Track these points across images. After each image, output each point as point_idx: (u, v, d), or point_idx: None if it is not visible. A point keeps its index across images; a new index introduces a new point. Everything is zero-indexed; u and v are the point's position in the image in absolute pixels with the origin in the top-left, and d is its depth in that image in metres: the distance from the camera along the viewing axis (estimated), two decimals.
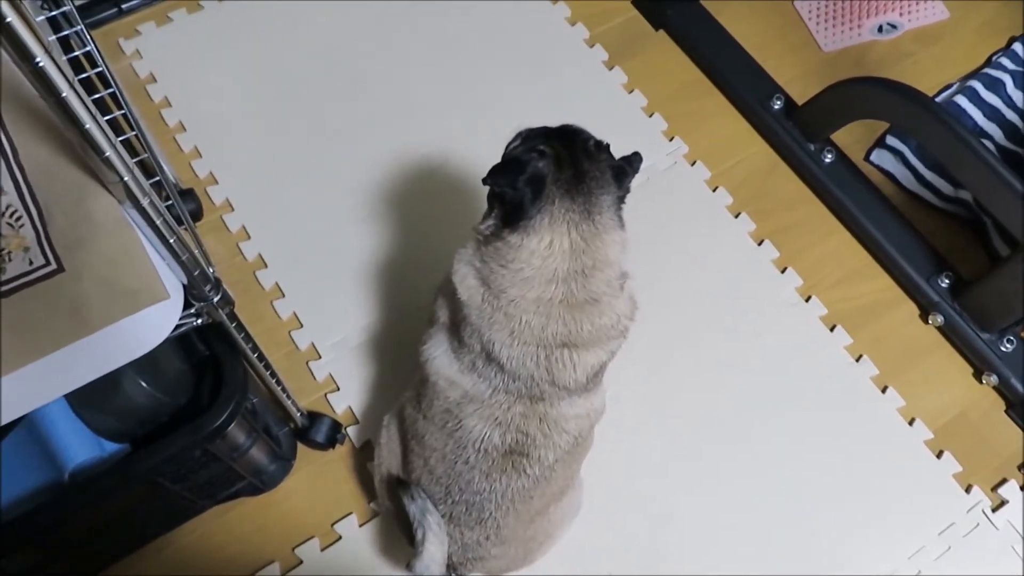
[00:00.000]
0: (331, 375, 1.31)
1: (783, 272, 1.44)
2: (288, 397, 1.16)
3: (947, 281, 1.39)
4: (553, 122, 0.96)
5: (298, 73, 1.57)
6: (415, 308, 1.33)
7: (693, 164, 1.53)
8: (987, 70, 1.63)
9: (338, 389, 1.30)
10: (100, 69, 0.71)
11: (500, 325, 0.89)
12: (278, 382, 1.11)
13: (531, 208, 0.86)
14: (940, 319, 1.38)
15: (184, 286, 0.81)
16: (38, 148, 0.76)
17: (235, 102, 1.54)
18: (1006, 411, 1.35)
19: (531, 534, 1.04)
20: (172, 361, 0.98)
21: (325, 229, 1.42)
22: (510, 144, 0.96)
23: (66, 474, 0.92)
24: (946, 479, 1.28)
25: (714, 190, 1.51)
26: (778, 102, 1.55)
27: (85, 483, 0.92)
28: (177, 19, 1.61)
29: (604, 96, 1.59)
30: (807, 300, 1.42)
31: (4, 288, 0.73)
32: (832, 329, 1.39)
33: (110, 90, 0.71)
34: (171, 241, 0.74)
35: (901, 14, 1.70)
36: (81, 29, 0.70)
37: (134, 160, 0.67)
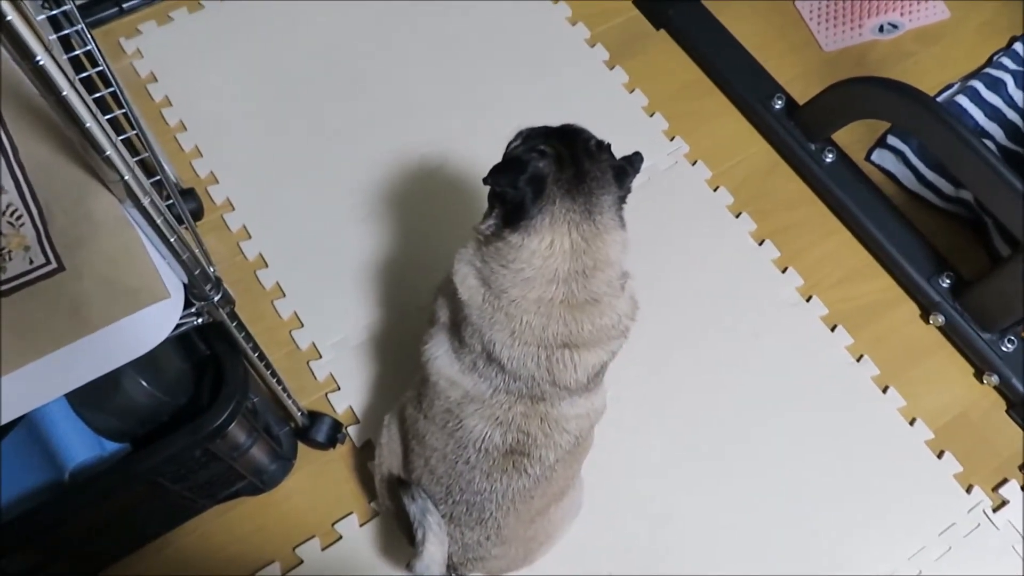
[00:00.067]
0: (332, 375, 1.31)
1: (784, 272, 1.44)
2: (289, 396, 1.16)
3: (948, 281, 1.39)
4: (554, 122, 0.96)
5: (298, 73, 1.57)
6: (415, 308, 1.33)
7: (694, 164, 1.53)
8: (988, 70, 1.63)
9: (339, 389, 1.30)
10: (101, 68, 0.71)
11: (501, 325, 0.89)
12: (279, 381, 1.11)
13: (532, 208, 0.86)
14: (941, 319, 1.38)
15: (185, 285, 0.81)
16: (38, 147, 0.76)
17: (236, 102, 1.54)
18: (1007, 411, 1.35)
19: (531, 534, 1.04)
20: (173, 360, 0.98)
21: (326, 229, 1.42)
22: (511, 143, 0.96)
23: (66, 473, 0.92)
24: (947, 479, 1.28)
25: (715, 190, 1.51)
26: (779, 102, 1.55)
27: (85, 482, 0.92)
28: (178, 18, 1.61)
29: (605, 96, 1.59)
30: (808, 300, 1.41)
31: (5, 287, 0.73)
32: (833, 329, 1.39)
33: (111, 89, 0.71)
34: (172, 240, 0.74)
35: (902, 14, 1.70)
36: (82, 28, 0.70)
37: (135, 159, 0.67)
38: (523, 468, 0.93)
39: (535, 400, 0.91)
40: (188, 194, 1.38)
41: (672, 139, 1.56)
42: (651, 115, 1.58)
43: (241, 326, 0.94)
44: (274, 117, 1.52)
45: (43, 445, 0.93)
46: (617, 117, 1.57)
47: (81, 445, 0.93)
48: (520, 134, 0.95)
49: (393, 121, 1.53)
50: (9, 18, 0.51)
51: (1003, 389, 1.35)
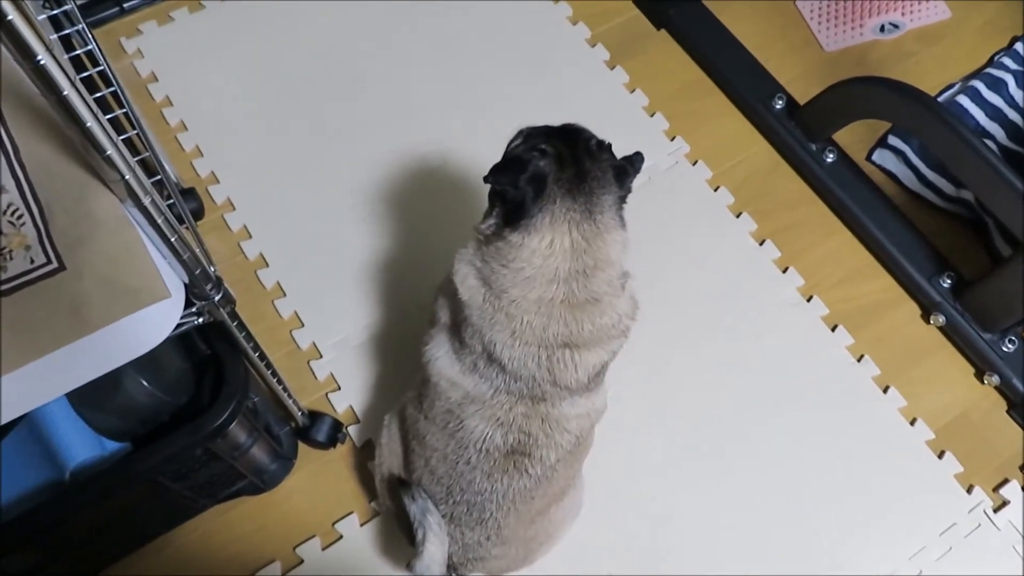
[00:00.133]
0: (332, 374, 1.31)
1: (784, 272, 1.44)
2: (289, 396, 1.16)
3: (949, 281, 1.39)
4: (555, 121, 0.96)
5: (299, 73, 1.57)
6: (416, 307, 1.33)
7: (694, 164, 1.53)
8: (989, 70, 1.63)
9: (339, 388, 1.30)
10: (101, 68, 0.71)
11: (501, 326, 0.89)
12: (279, 381, 1.11)
13: (532, 207, 0.86)
14: (942, 319, 1.38)
15: (185, 285, 0.81)
16: (39, 146, 0.76)
17: (236, 102, 1.54)
18: (1007, 411, 1.35)
19: (532, 534, 1.04)
20: (173, 360, 0.98)
21: (326, 228, 1.42)
22: (511, 142, 0.96)
23: (67, 473, 0.92)
24: (947, 479, 1.28)
25: (715, 190, 1.51)
26: (780, 102, 1.55)
27: (86, 482, 0.92)
28: (179, 18, 1.61)
29: (605, 96, 1.59)
30: (808, 300, 1.41)
31: (5, 287, 0.73)
32: (833, 329, 1.39)
33: (111, 89, 0.71)
34: (172, 240, 0.74)
35: (903, 14, 1.70)
36: (82, 28, 0.70)
37: (135, 159, 0.67)
38: (524, 468, 0.93)
39: (536, 400, 0.91)
40: (189, 194, 1.38)
41: (673, 139, 1.56)
42: (652, 115, 1.58)
43: (242, 326, 0.94)
44: (275, 117, 1.53)
45: (44, 444, 0.93)
46: (618, 117, 1.57)
47: (82, 444, 0.93)
48: (521, 133, 0.95)
49: (394, 121, 1.53)
50: (10, 17, 0.51)
51: (1004, 389, 1.35)
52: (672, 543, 1.21)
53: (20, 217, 0.74)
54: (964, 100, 1.58)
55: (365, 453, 1.25)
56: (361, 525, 1.21)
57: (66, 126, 0.61)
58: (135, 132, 0.74)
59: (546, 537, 1.07)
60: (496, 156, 0.94)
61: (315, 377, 1.31)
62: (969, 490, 1.28)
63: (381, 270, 1.39)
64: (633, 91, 1.60)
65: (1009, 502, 1.27)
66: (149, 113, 1.51)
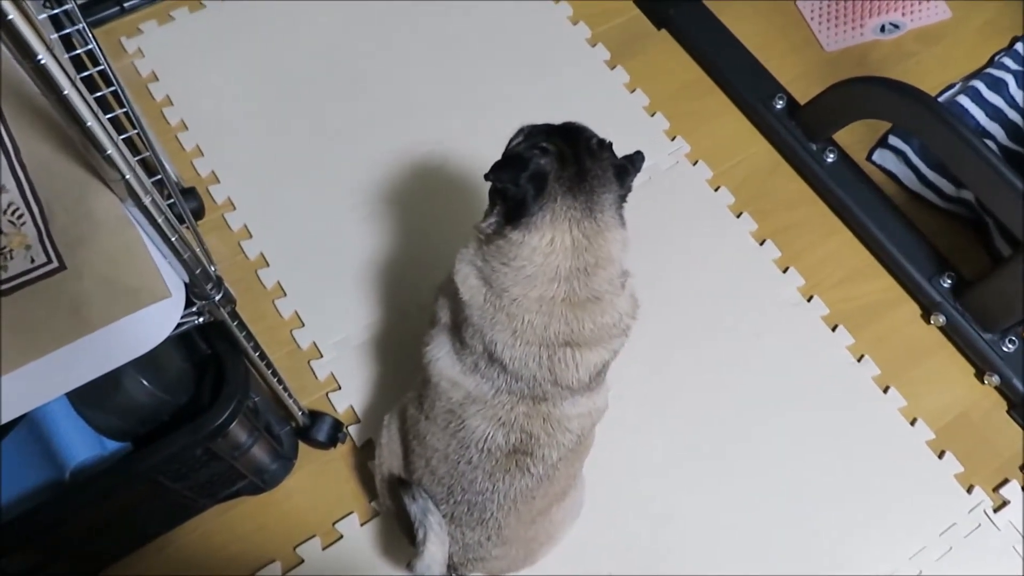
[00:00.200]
0: (332, 374, 1.31)
1: (785, 272, 1.44)
2: (289, 396, 1.16)
3: (949, 281, 1.39)
4: (555, 120, 0.96)
5: (299, 73, 1.57)
6: (416, 307, 1.33)
7: (695, 164, 1.53)
8: (989, 70, 1.63)
9: (339, 388, 1.30)
10: (102, 67, 0.71)
11: (502, 325, 0.89)
12: (279, 381, 1.11)
13: (533, 205, 0.86)
14: (942, 319, 1.38)
15: (186, 284, 0.81)
16: (40, 145, 0.76)
17: (237, 101, 1.54)
18: (1008, 411, 1.35)
19: (532, 535, 1.04)
20: (173, 359, 0.98)
21: (327, 228, 1.42)
22: (512, 140, 0.96)
23: (67, 473, 0.92)
24: (947, 479, 1.28)
25: (716, 190, 1.51)
26: (780, 102, 1.55)
27: (86, 482, 0.92)
28: (179, 18, 1.61)
29: (606, 96, 1.59)
30: (809, 300, 1.41)
31: (6, 286, 0.73)
32: (834, 329, 1.39)
33: (112, 88, 0.71)
34: (173, 239, 0.74)
35: (903, 14, 1.70)
36: (83, 27, 0.70)
37: (136, 158, 0.67)
38: (526, 467, 0.93)
39: (537, 400, 0.91)
40: (189, 193, 1.38)
41: (673, 139, 1.56)
42: (652, 115, 1.58)
43: (242, 325, 0.94)
44: (275, 117, 1.53)
45: (44, 444, 0.93)
46: (618, 117, 1.57)
47: (82, 444, 0.93)
48: (522, 131, 0.95)
49: (394, 121, 1.53)
50: (11, 17, 0.51)
51: (1004, 389, 1.35)
52: (672, 543, 1.21)
53: (20, 216, 0.74)
54: (964, 100, 1.58)
55: (365, 453, 1.24)
56: (361, 525, 1.21)
57: (67, 125, 0.61)
58: (135, 131, 0.74)
59: (547, 538, 1.07)
60: (496, 156, 0.94)
61: (315, 377, 1.31)
62: (969, 490, 1.28)
63: (382, 270, 1.39)
64: (633, 91, 1.60)
65: (1009, 502, 1.27)
66: (149, 112, 1.51)
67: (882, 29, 1.69)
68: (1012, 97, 1.59)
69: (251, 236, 1.41)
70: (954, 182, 1.50)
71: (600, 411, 0.99)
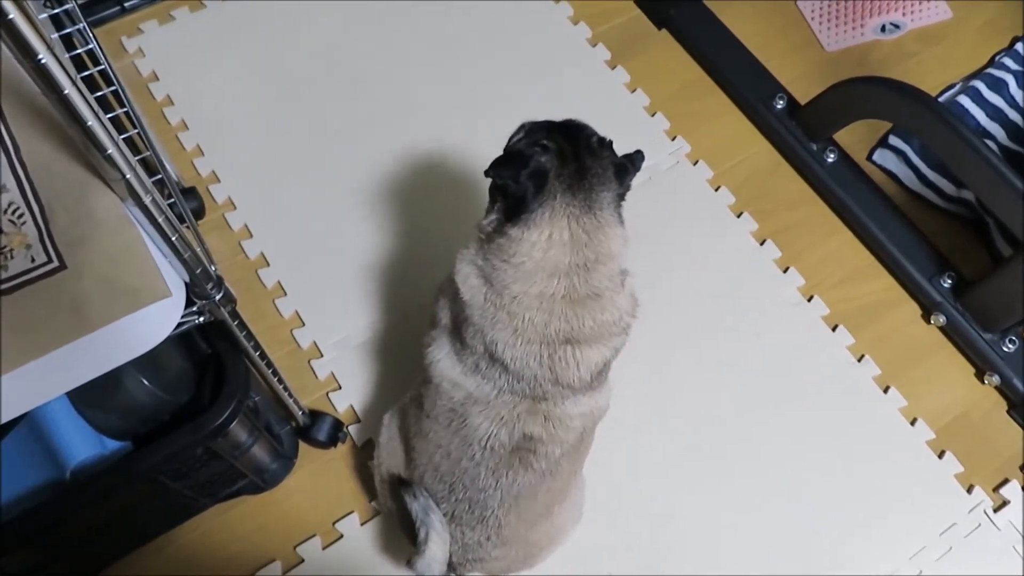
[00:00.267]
0: (333, 373, 1.31)
1: (785, 272, 1.44)
2: (290, 395, 1.16)
3: (949, 281, 1.39)
4: (556, 118, 0.96)
5: (299, 73, 1.57)
6: (417, 307, 1.33)
7: (695, 164, 1.53)
8: (990, 70, 1.63)
9: (340, 388, 1.30)
10: (102, 67, 0.71)
11: (503, 324, 0.89)
12: (280, 380, 1.11)
13: (533, 202, 0.86)
14: (942, 319, 1.38)
15: (186, 284, 0.81)
16: (40, 145, 0.76)
17: (237, 101, 1.54)
18: (1008, 411, 1.35)
19: (534, 538, 1.04)
20: (174, 359, 0.98)
21: (327, 228, 1.42)
22: (513, 137, 0.96)
23: (68, 472, 0.92)
24: (948, 479, 1.28)
25: (716, 190, 1.51)
26: (780, 102, 1.55)
27: (87, 481, 0.92)
28: (180, 17, 1.61)
29: (606, 96, 1.59)
30: (809, 300, 1.41)
31: (6, 286, 0.73)
32: (834, 329, 1.39)
33: (112, 88, 0.71)
34: (173, 239, 0.74)
35: (904, 14, 1.70)
36: (83, 27, 0.70)
37: (136, 158, 0.67)
38: (529, 464, 0.93)
39: (538, 400, 0.91)
40: (189, 193, 1.38)
41: (673, 139, 1.56)
42: (652, 115, 1.58)
43: (242, 325, 0.94)
44: (275, 117, 1.53)
45: (44, 444, 0.93)
46: (618, 117, 1.57)
47: (82, 444, 0.93)
48: (522, 127, 0.96)
49: (394, 121, 1.53)
50: (11, 16, 0.51)
51: (1004, 389, 1.35)
52: (673, 543, 1.21)
53: (21, 216, 0.74)
54: (965, 100, 1.58)
55: (366, 452, 1.24)
56: (362, 524, 1.21)
57: (67, 125, 0.61)
58: (136, 131, 0.74)
59: (548, 540, 1.07)
60: (497, 155, 0.94)
61: (316, 376, 1.31)
62: (969, 490, 1.28)
63: (382, 269, 1.39)
64: (634, 91, 1.60)
65: (1009, 502, 1.27)
66: (150, 112, 1.51)
67: (883, 29, 1.69)
68: (1012, 97, 1.59)
69: (251, 236, 1.41)
70: (954, 182, 1.50)
71: (602, 410, 0.99)
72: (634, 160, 0.93)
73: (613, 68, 1.62)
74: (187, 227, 0.78)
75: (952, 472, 1.29)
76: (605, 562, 1.19)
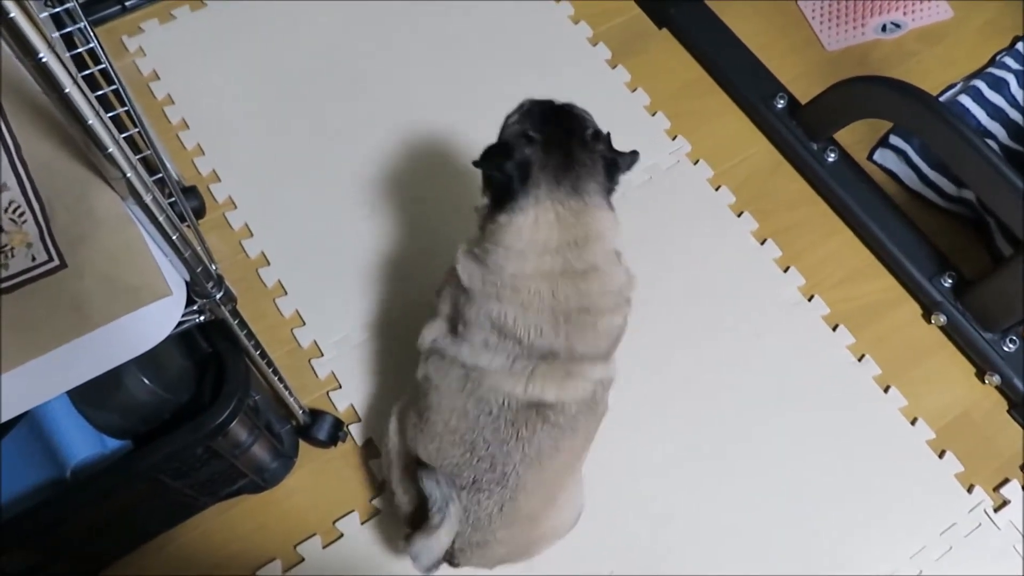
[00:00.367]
0: (333, 373, 1.31)
1: (785, 271, 1.44)
2: (290, 394, 1.16)
3: (950, 281, 1.39)
4: (560, 99, 0.99)
5: (299, 72, 1.57)
6: (417, 306, 1.33)
7: (696, 163, 1.53)
8: (991, 69, 1.63)
9: (340, 387, 1.30)
10: (103, 66, 0.71)
11: (509, 299, 0.92)
12: (280, 379, 1.11)
13: (518, 191, 0.91)
14: (943, 319, 1.38)
15: (186, 283, 0.81)
16: (41, 144, 0.76)
17: (237, 101, 1.54)
18: (1008, 411, 1.35)
19: (537, 535, 1.04)
20: (174, 358, 0.98)
21: (327, 227, 1.42)
22: (510, 117, 1.00)
23: (68, 471, 0.92)
24: (948, 479, 1.28)
25: (717, 189, 1.51)
26: (781, 101, 1.55)
27: (87, 480, 0.92)
28: (180, 17, 1.62)
29: (607, 95, 1.59)
30: (809, 300, 1.41)
31: (7, 284, 0.73)
32: (834, 329, 1.39)
33: (113, 87, 0.71)
34: (174, 238, 0.74)
35: (905, 13, 1.70)
36: (84, 26, 0.70)
37: (137, 157, 0.67)
38: (546, 416, 0.94)
39: (552, 362, 0.93)
40: (190, 192, 1.38)
41: (674, 138, 1.56)
42: (653, 114, 1.58)
43: (243, 324, 0.94)
44: (276, 116, 1.53)
45: (45, 442, 0.93)
46: (619, 116, 1.57)
47: (83, 442, 0.93)
48: (521, 106, 1.00)
49: (394, 121, 1.53)
50: (12, 15, 0.51)
51: (1004, 389, 1.35)
52: (672, 543, 1.21)
53: (22, 215, 0.75)
54: (965, 100, 1.58)
55: (366, 451, 1.25)
56: (362, 523, 1.21)
57: (68, 124, 0.61)
58: (136, 130, 0.74)
59: (551, 530, 1.07)
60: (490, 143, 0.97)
61: (316, 375, 1.31)
62: (970, 490, 1.28)
63: (382, 269, 1.39)
64: (634, 90, 1.60)
65: (1009, 502, 1.27)
66: (151, 111, 1.51)
67: (883, 28, 1.69)
68: (1013, 96, 1.59)
69: (252, 235, 1.41)
70: (955, 182, 1.50)
71: (610, 381, 1.01)
72: (626, 158, 0.96)
73: (614, 67, 1.62)
74: (188, 226, 0.78)
75: (952, 472, 1.29)
76: (605, 562, 1.19)
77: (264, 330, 1.32)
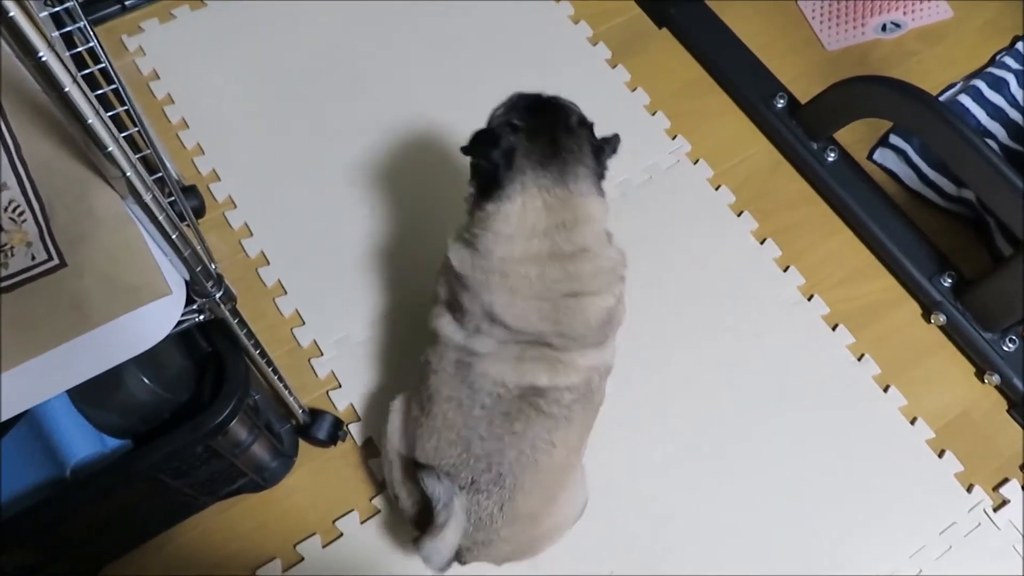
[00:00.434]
0: (333, 372, 1.31)
1: (785, 271, 1.44)
2: (290, 394, 1.16)
3: (949, 281, 1.39)
4: (547, 92, 1.00)
5: (299, 72, 1.57)
6: (417, 305, 1.32)
7: (696, 163, 1.53)
8: (991, 69, 1.63)
9: (340, 386, 1.30)
10: (103, 65, 0.71)
11: (497, 285, 0.93)
12: (280, 379, 1.11)
13: (503, 178, 0.92)
14: (942, 319, 1.38)
15: (186, 282, 0.81)
16: (41, 143, 0.76)
17: (237, 100, 1.54)
18: (1008, 411, 1.35)
19: (542, 517, 1.04)
20: (174, 357, 0.98)
21: (327, 227, 1.42)
22: (496, 110, 1.01)
23: (68, 470, 0.92)
24: (948, 478, 1.28)
25: (716, 189, 1.51)
26: (781, 101, 1.55)
27: (87, 479, 0.92)
28: (180, 16, 1.62)
29: (607, 95, 1.59)
30: (809, 299, 1.41)
31: (6, 283, 0.73)
32: (834, 328, 1.39)
33: (113, 86, 0.71)
34: (173, 237, 0.74)
35: (905, 13, 1.70)
36: (84, 25, 0.70)
37: (137, 156, 0.68)
38: (539, 407, 0.94)
39: (542, 347, 0.94)
40: (190, 191, 1.38)
41: (674, 138, 1.56)
42: (653, 114, 1.58)
43: (243, 323, 0.94)
44: (276, 116, 1.53)
45: (44, 442, 0.93)
46: (619, 116, 1.57)
47: (83, 442, 0.93)
48: (510, 99, 1.01)
49: (394, 121, 1.53)
50: (12, 14, 0.51)
51: (1004, 389, 1.35)
52: (672, 543, 1.21)
53: (21, 214, 0.75)
54: (965, 99, 1.58)
55: (366, 451, 1.25)
56: (362, 523, 1.21)
57: (68, 123, 0.61)
58: (136, 129, 0.74)
59: (553, 526, 1.07)
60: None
61: (316, 375, 1.31)
62: (969, 489, 1.28)
63: (382, 268, 1.39)
64: (634, 90, 1.60)
65: (1009, 501, 1.27)
66: (150, 110, 1.51)
67: (883, 28, 1.69)
68: (1013, 96, 1.59)
69: (252, 234, 1.41)
70: (955, 181, 1.50)
71: (608, 366, 1.01)
72: (610, 141, 0.98)
73: (614, 67, 1.62)
74: (187, 225, 0.78)
75: (952, 471, 1.29)
76: (605, 562, 1.19)
77: (264, 329, 1.32)
